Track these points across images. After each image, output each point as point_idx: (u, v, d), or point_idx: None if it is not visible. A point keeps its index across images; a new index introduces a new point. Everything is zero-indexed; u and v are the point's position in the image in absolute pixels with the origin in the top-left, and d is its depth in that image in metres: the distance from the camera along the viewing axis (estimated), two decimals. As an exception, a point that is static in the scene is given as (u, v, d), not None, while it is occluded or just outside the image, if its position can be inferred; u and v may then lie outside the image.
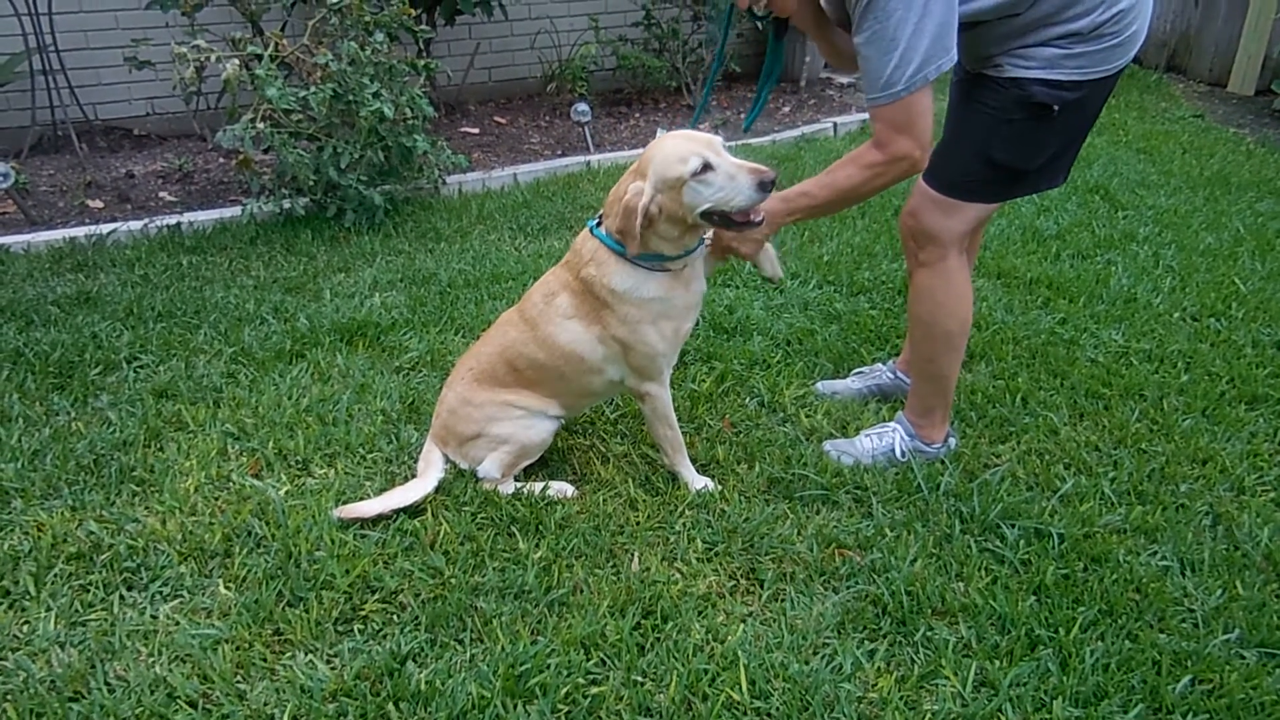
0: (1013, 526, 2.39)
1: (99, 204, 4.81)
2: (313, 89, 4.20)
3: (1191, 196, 4.96)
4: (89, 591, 2.18)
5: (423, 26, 4.87)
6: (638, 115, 6.83)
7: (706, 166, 2.15)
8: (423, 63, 4.84)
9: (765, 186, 2.15)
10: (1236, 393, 3.05)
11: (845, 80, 7.82)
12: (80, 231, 4.35)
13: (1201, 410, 2.95)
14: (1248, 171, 5.44)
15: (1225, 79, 7.59)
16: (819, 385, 3.10)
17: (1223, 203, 4.87)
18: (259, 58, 4.30)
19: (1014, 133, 2.29)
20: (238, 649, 2.02)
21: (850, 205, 2.33)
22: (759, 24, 2.50)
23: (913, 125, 2.19)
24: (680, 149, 2.17)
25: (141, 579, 2.22)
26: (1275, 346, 3.36)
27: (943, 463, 2.67)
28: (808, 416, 2.93)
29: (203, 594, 2.18)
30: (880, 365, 3.13)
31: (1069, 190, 4.96)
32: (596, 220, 2.38)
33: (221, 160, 5.54)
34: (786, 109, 7.06)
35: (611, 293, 2.32)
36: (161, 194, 4.99)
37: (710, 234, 2.43)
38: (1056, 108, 2.24)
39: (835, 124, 6.54)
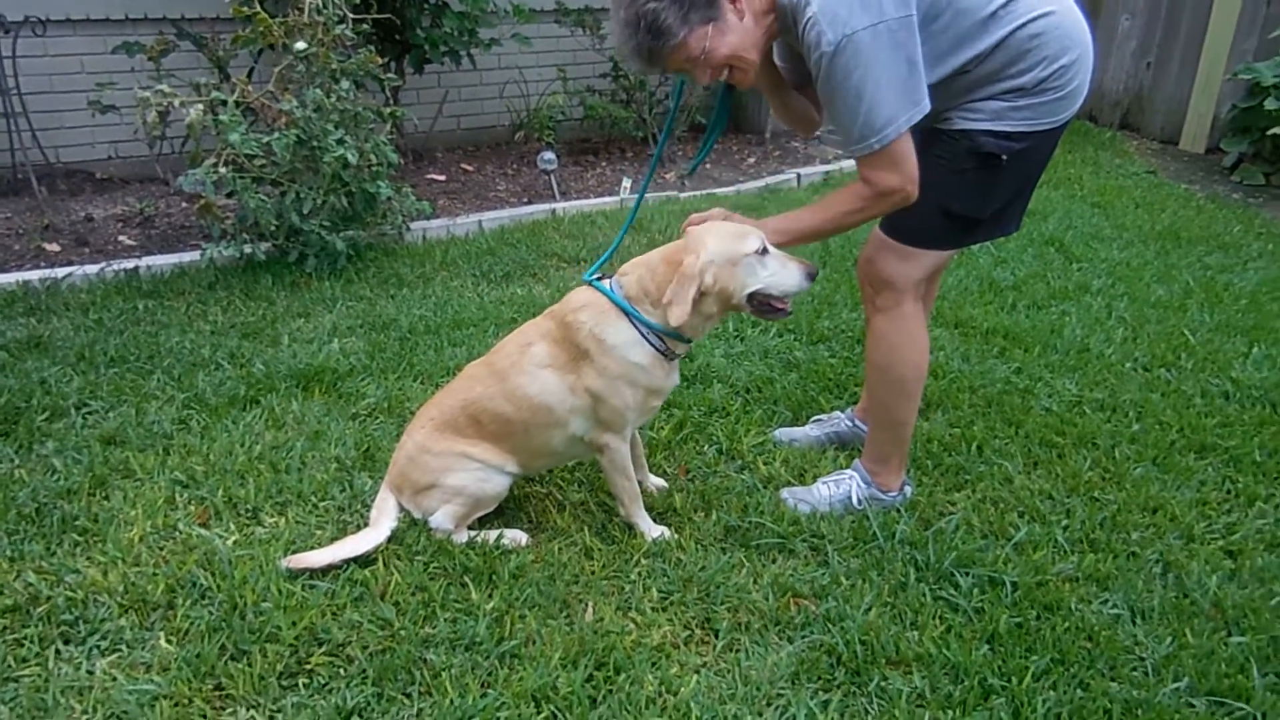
0: (967, 574, 2.39)
1: (56, 247, 4.76)
2: (276, 134, 4.21)
3: (1143, 250, 5.08)
4: (23, 646, 2.11)
5: (390, 75, 4.91)
6: (604, 164, 6.90)
7: (764, 249, 2.29)
8: (389, 110, 4.87)
9: (811, 277, 2.36)
10: (1186, 442, 3.09)
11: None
12: (34, 275, 4.29)
13: (1152, 459, 2.99)
14: (1198, 226, 5.57)
15: (1177, 137, 7.80)
16: (777, 433, 3.11)
17: (1173, 256, 4.99)
18: (224, 103, 4.30)
19: (966, 182, 2.36)
20: (176, 705, 1.96)
21: (842, 231, 2.44)
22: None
23: (897, 167, 2.24)
24: (739, 228, 2.34)
25: (79, 632, 2.15)
26: (1224, 397, 3.42)
27: (898, 511, 2.67)
28: (765, 464, 2.93)
29: (142, 648, 2.12)
30: (839, 413, 3.15)
31: (1025, 242, 5.06)
32: (598, 275, 2.41)
33: (184, 204, 5.51)
34: (751, 160, 7.17)
35: (599, 343, 2.34)
36: (121, 238, 4.95)
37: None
38: (1004, 157, 2.32)
39: (799, 175, 6.64)
